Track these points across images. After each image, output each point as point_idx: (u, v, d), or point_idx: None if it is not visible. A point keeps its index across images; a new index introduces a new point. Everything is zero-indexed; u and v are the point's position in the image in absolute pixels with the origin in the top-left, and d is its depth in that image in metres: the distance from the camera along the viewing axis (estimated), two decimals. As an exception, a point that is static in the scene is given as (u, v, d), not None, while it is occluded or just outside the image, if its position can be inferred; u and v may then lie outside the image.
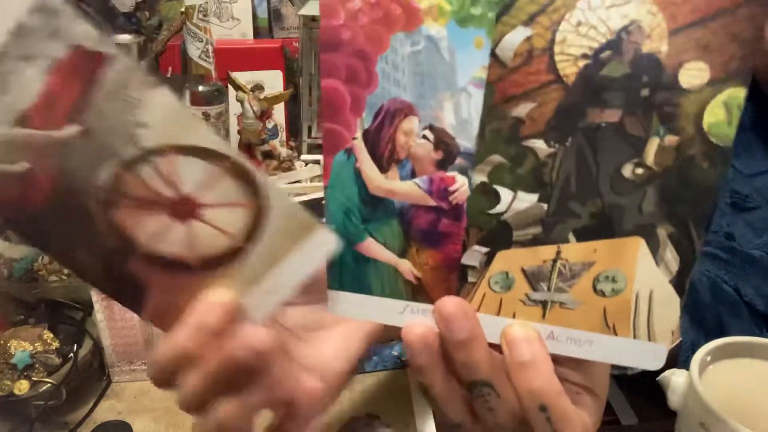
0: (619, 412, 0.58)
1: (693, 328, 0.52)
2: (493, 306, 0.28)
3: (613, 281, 0.26)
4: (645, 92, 0.25)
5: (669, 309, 0.26)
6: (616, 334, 0.27)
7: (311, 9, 1.10)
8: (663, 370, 0.53)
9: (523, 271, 0.27)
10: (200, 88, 1.00)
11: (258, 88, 1.13)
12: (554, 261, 0.27)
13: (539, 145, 0.26)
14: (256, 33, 1.23)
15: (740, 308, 0.55)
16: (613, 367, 0.52)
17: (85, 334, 0.62)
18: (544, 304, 0.27)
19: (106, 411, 0.59)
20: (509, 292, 0.28)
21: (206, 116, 1.00)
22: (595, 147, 0.26)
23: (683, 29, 0.24)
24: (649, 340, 0.26)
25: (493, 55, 0.25)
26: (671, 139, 0.25)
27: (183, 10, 1.04)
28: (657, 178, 0.25)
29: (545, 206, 0.27)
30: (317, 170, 1.12)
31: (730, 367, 0.46)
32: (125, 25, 1.11)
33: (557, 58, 0.25)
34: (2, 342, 0.57)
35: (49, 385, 0.55)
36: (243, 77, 1.11)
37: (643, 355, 0.27)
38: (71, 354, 0.58)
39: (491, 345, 0.28)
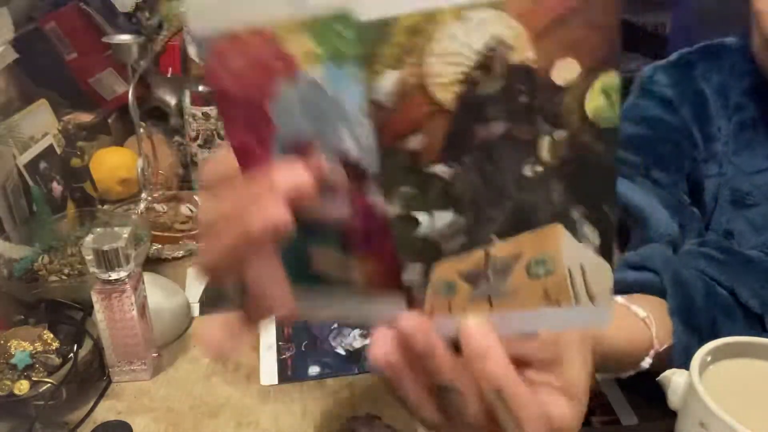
0: (619, 412, 0.58)
1: (686, 331, 0.52)
2: (444, 310, 0.30)
3: (543, 264, 0.28)
4: (523, 99, 0.26)
5: (601, 274, 0.28)
6: (560, 305, 0.29)
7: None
8: (656, 374, 0.53)
9: (461, 274, 0.29)
10: (200, 88, 1.00)
11: (258, 88, 1.13)
12: (485, 261, 0.29)
13: (440, 168, 0.28)
14: (256, 33, 1.23)
15: (735, 311, 0.54)
16: (608, 371, 0.53)
17: (85, 334, 0.62)
18: (488, 297, 0.30)
19: (106, 411, 0.59)
20: (455, 296, 0.30)
21: (206, 116, 1.00)
22: (492, 157, 0.27)
23: (544, 33, 0.25)
24: (592, 303, 0.29)
25: (371, 101, 0.27)
26: (560, 134, 0.27)
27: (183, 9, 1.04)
28: (557, 170, 0.27)
29: (463, 219, 0.28)
30: (317, 170, 1.12)
31: (730, 367, 0.46)
32: (125, 25, 1.11)
33: (433, 89, 0.27)
34: (2, 342, 0.57)
35: (49, 385, 0.55)
36: (243, 77, 1.11)
37: (591, 317, 0.29)
38: (71, 354, 0.58)
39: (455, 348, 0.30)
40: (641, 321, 0.51)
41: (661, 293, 0.54)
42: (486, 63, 0.26)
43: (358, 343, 0.67)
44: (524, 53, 0.26)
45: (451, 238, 0.29)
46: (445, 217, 0.29)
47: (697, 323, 0.53)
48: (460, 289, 0.30)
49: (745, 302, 0.54)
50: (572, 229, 0.28)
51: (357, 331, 0.69)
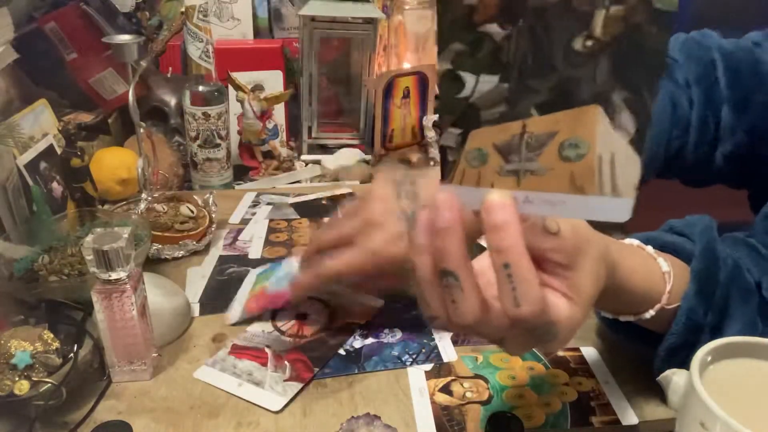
0: (619, 412, 0.58)
1: (697, 297, 0.52)
2: (473, 180, 0.31)
3: (576, 147, 0.28)
4: None
5: (630, 166, 0.28)
6: (584, 192, 0.29)
7: (311, 9, 1.11)
8: (654, 338, 0.54)
9: (495, 146, 0.30)
10: (200, 88, 1.00)
11: (258, 88, 1.13)
12: (521, 134, 0.29)
13: (494, 29, 0.28)
14: (256, 33, 1.24)
15: (752, 297, 0.55)
16: (612, 307, 0.53)
17: (85, 334, 0.62)
18: (517, 173, 0.30)
19: (106, 411, 0.59)
20: (485, 166, 0.30)
21: (206, 116, 1.00)
22: (545, 25, 0.27)
23: None
24: (614, 194, 0.29)
25: None
26: (617, 10, 0.26)
27: (183, 10, 1.04)
28: (607, 47, 0.27)
29: (506, 86, 0.29)
30: (317, 170, 1.12)
31: (730, 367, 0.46)
32: (125, 25, 1.11)
33: None
34: (2, 342, 0.57)
35: (49, 385, 0.55)
36: (243, 77, 1.11)
37: (611, 208, 0.29)
38: (71, 354, 0.58)
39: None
40: (662, 273, 0.52)
41: (690, 260, 0.54)
42: None
43: (358, 343, 0.67)
44: None
45: (492, 104, 0.29)
46: (490, 81, 0.29)
47: (711, 293, 0.53)
48: (491, 161, 0.30)
49: (767, 294, 0.54)
50: (611, 113, 0.28)
51: (357, 332, 0.69)
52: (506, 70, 0.28)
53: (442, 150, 0.31)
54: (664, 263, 0.52)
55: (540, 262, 0.35)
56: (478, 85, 0.29)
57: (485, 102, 0.29)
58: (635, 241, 0.54)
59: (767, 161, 0.70)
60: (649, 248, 0.53)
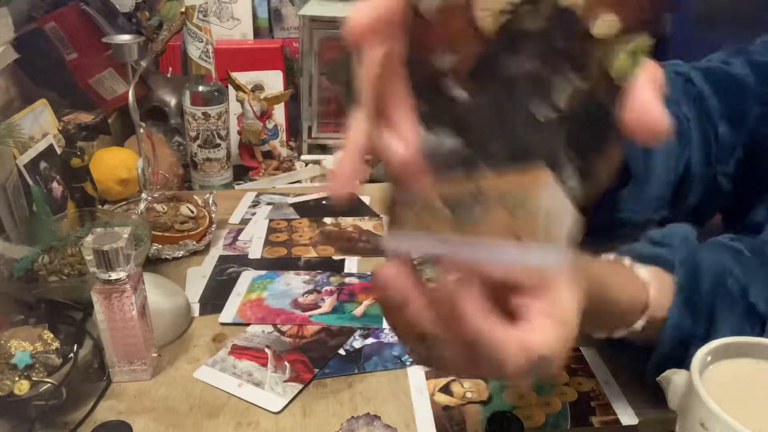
0: (619, 412, 0.58)
1: (683, 309, 0.52)
2: (410, 221, 0.31)
3: (522, 205, 0.29)
4: (559, 43, 0.27)
5: (567, 221, 0.29)
6: (520, 239, 0.30)
7: (311, 9, 1.11)
8: (646, 351, 0.54)
9: (443, 197, 0.30)
10: (200, 88, 1.00)
11: (258, 88, 1.13)
12: (473, 193, 0.29)
13: (461, 94, 0.28)
14: (256, 33, 1.24)
15: (737, 304, 0.54)
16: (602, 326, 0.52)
17: (85, 334, 0.62)
18: (460, 221, 0.30)
19: (106, 411, 0.59)
20: (432, 216, 0.30)
21: (206, 116, 1.00)
22: (511, 96, 0.28)
23: None
24: (550, 243, 0.29)
25: (413, 7, 0.27)
26: (582, 85, 0.27)
27: (183, 10, 1.04)
28: (567, 120, 0.28)
29: (467, 150, 0.29)
30: (317, 170, 1.12)
31: (730, 367, 0.46)
32: (125, 25, 1.11)
33: (478, 14, 0.27)
34: (2, 342, 0.57)
35: (49, 385, 0.55)
36: (243, 77, 1.11)
37: (545, 256, 0.30)
38: (71, 354, 0.58)
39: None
40: (642, 282, 0.51)
41: (672, 269, 0.54)
42: (536, 0, 0.26)
43: (358, 343, 0.67)
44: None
45: (448, 165, 0.29)
46: (450, 144, 0.29)
47: (696, 303, 0.53)
48: (439, 211, 0.30)
49: (754, 301, 0.54)
50: (562, 178, 0.29)
51: (357, 332, 0.69)
52: (468, 133, 0.29)
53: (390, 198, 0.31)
54: (643, 271, 0.52)
55: (515, 290, 0.33)
56: (440, 144, 0.29)
57: (442, 161, 0.29)
58: (611, 256, 0.54)
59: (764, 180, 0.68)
60: (626, 260, 0.53)
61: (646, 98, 0.28)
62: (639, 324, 0.51)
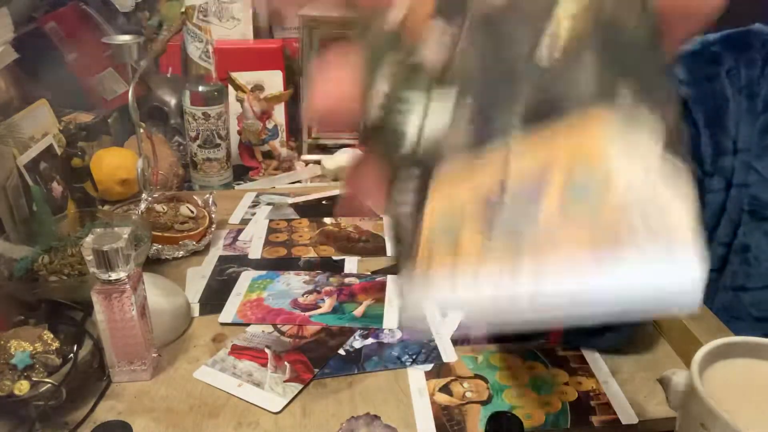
0: (619, 412, 0.58)
1: None
2: (446, 258, 0.21)
3: (585, 184, 0.18)
4: None
5: (674, 187, 0.17)
6: (615, 249, 0.18)
7: (311, 9, 1.11)
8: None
9: (467, 204, 0.20)
10: (200, 88, 1.00)
11: (258, 88, 1.13)
12: (501, 181, 0.19)
13: (438, 24, 0.22)
14: (256, 33, 1.23)
15: (738, 313, 0.54)
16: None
17: (85, 334, 0.62)
18: (507, 239, 0.19)
19: (106, 411, 0.59)
20: (459, 238, 0.21)
21: (206, 116, 1.00)
22: (496, 31, 0.20)
23: None
24: (663, 245, 0.17)
25: None
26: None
27: (183, 10, 1.04)
28: (583, 41, 0.19)
29: (468, 101, 0.21)
30: (317, 170, 1.12)
31: (730, 367, 0.46)
32: (125, 25, 1.11)
33: None
34: (2, 342, 0.57)
35: (49, 385, 0.55)
36: (243, 77, 1.11)
37: (669, 275, 0.17)
38: (71, 354, 0.58)
39: None
40: None
41: None
42: None
43: (358, 344, 0.67)
44: None
45: (454, 134, 0.20)
46: (444, 100, 0.20)
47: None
48: (467, 228, 0.19)
49: (746, 305, 0.54)
50: (622, 113, 0.18)
51: (357, 332, 0.69)
52: (464, 80, 0.20)
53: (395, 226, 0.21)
54: None
55: None
56: (429, 111, 0.20)
57: (444, 133, 0.20)
58: None
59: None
60: None
61: None
62: None
